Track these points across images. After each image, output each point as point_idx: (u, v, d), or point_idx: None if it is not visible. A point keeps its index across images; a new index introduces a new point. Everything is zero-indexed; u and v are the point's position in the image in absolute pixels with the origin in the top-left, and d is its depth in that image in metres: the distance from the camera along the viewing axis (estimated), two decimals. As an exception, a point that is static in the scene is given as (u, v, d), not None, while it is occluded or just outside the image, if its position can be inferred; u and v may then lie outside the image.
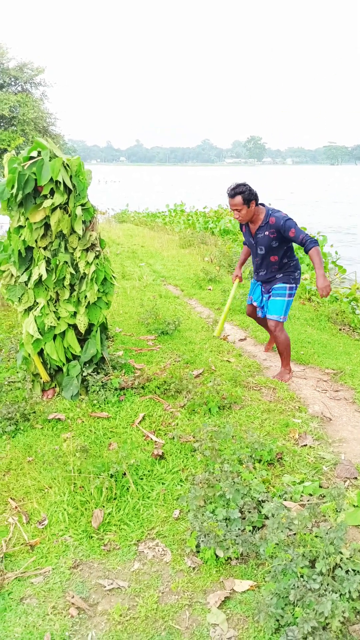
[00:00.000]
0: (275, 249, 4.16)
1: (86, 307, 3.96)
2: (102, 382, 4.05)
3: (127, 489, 2.89)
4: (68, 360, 4.09)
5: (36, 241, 3.77)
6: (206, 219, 16.19)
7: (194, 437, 3.34)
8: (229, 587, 2.23)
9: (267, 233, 4.11)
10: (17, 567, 2.41)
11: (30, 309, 3.93)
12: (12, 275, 3.96)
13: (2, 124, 24.00)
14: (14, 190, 3.58)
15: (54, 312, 3.90)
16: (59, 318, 3.92)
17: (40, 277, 3.76)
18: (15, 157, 3.69)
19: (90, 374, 4.04)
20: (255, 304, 4.60)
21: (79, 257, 3.86)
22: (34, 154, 3.67)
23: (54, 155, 3.68)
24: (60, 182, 3.62)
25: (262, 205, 4.18)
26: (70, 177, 3.74)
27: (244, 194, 3.98)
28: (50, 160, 3.60)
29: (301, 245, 3.98)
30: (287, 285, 4.27)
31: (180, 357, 4.80)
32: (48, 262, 3.82)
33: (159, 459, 3.21)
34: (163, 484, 2.98)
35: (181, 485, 2.95)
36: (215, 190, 43.06)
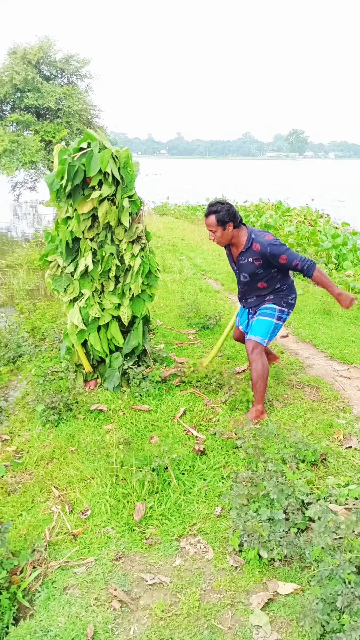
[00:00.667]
0: (260, 276, 3.67)
1: (130, 300, 3.96)
2: (143, 374, 4.05)
3: (169, 483, 2.88)
4: (111, 352, 4.10)
5: (83, 232, 3.78)
6: (247, 212, 16.04)
7: (235, 434, 3.30)
8: (272, 589, 2.20)
9: (250, 260, 3.60)
10: (61, 556, 2.43)
11: (75, 299, 3.96)
12: (58, 265, 4.00)
13: (47, 116, 24.32)
14: (64, 181, 3.59)
15: (99, 303, 3.92)
16: (103, 309, 3.94)
17: (87, 268, 3.78)
18: (65, 149, 3.71)
19: (131, 367, 4.04)
20: (240, 328, 4.05)
21: (125, 249, 3.86)
22: (84, 145, 3.68)
23: (103, 147, 3.68)
24: (108, 174, 3.61)
25: (244, 225, 3.67)
26: (119, 168, 3.73)
27: (218, 214, 3.49)
28: (99, 152, 3.60)
29: (299, 272, 3.56)
30: (277, 307, 3.71)
31: (221, 352, 4.76)
32: (94, 253, 3.83)
33: (200, 455, 3.19)
34: (204, 480, 2.95)
35: (222, 482, 2.92)
36: (255, 184, 42.64)
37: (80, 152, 3.62)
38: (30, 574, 2.30)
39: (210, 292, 7.32)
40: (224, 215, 3.50)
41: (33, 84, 22.55)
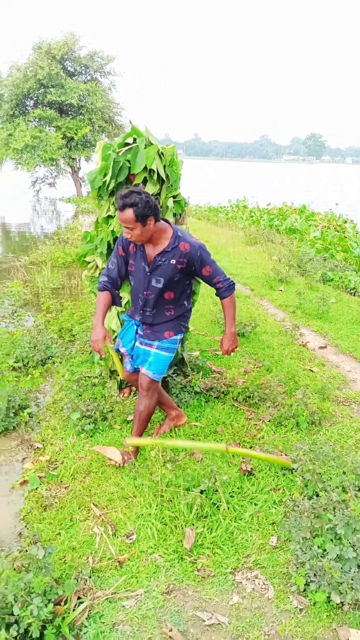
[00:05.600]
0: (175, 284, 2.94)
1: (171, 305, 3.76)
2: (181, 384, 3.85)
3: (217, 507, 2.68)
4: (148, 359, 3.90)
5: (125, 233, 3.58)
6: (270, 216, 15.79)
7: (285, 455, 3.09)
8: (344, 637, 1.98)
9: (174, 261, 2.84)
10: (107, 585, 2.23)
11: (113, 303, 3.77)
12: (96, 267, 3.81)
13: (70, 112, 24.19)
14: (107, 178, 3.40)
15: (138, 308, 3.72)
16: (142, 315, 3.73)
17: (128, 271, 3.58)
18: (110, 144, 3.51)
19: (170, 375, 3.84)
20: (123, 350, 3.19)
21: (168, 252, 3.66)
22: (129, 140, 3.48)
23: (149, 143, 3.48)
24: (154, 171, 3.42)
25: (167, 222, 2.91)
26: (164, 166, 3.53)
27: (136, 208, 2.62)
28: (145, 148, 3.40)
29: (215, 288, 3.02)
30: (178, 338, 3.12)
31: (260, 363, 4.55)
32: (136, 255, 3.63)
33: (247, 475, 2.98)
34: (255, 504, 2.74)
35: (275, 508, 2.71)
36: (275, 186, 42.30)
37: (126, 148, 3.43)
38: (76, 606, 2.11)
39: (240, 297, 7.09)
40: (143, 208, 2.64)
41: (57, 79, 22.43)
